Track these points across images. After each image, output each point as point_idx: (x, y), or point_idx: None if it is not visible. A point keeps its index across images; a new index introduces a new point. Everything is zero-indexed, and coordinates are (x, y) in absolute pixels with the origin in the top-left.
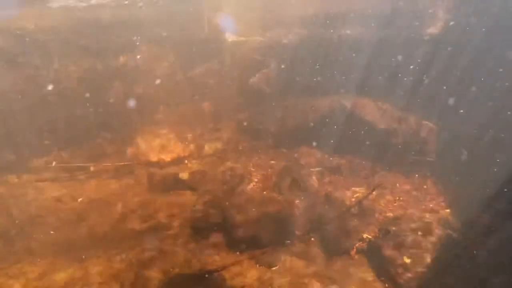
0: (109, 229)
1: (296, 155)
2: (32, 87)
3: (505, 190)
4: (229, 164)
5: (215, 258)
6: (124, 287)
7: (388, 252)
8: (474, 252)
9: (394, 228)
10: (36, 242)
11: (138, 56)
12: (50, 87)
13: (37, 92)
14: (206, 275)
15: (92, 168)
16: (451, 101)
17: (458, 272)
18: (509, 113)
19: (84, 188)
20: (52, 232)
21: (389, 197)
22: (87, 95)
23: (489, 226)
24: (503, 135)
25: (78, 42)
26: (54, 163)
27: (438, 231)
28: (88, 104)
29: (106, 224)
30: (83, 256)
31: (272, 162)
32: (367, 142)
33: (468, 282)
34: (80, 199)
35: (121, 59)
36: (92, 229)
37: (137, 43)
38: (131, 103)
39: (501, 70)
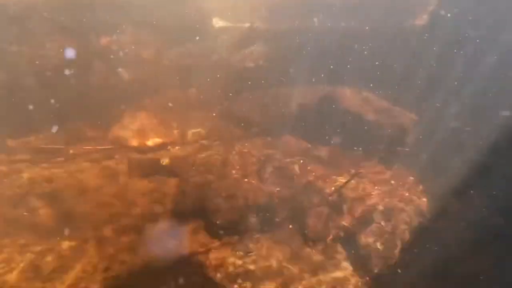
0: (85, 212)
1: (279, 143)
2: (7, 65)
3: (478, 180)
4: (211, 151)
5: (192, 244)
6: (97, 271)
7: (363, 239)
8: (445, 240)
9: (369, 217)
10: (8, 223)
11: (122, 39)
12: (27, 66)
13: (13, 70)
14: (183, 260)
15: (71, 151)
16: (432, 92)
17: (428, 259)
18: (488, 106)
19: (61, 171)
20: (25, 213)
21: (368, 186)
22: (67, 76)
23: (460, 215)
24: (480, 127)
25: (58, 20)
26: (31, 144)
27: (412, 220)
28: (68, 86)
29: (82, 208)
30: (57, 238)
31: (255, 150)
32: (350, 132)
33: (438, 269)
34: (57, 181)
35: (104, 40)
36: (68, 212)
37: (121, 25)
38: (115, 86)
39: (483, 64)
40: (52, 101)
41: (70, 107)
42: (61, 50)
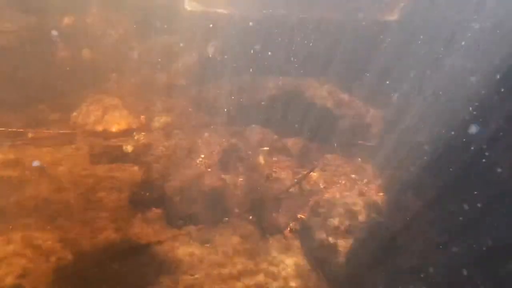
0: (42, 199)
1: (246, 133)
2: None
3: (434, 178)
4: (177, 139)
5: (150, 233)
6: (50, 261)
7: (317, 232)
8: (396, 236)
9: (325, 210)
10: None
11: (89, 18)
12: None
13: None
14: (139, 249)
15: (30, 135)
16: (398, 88)
17: (379, 254)
18: (451, 103)
19: (20, 156)
20: None
21: (328, 179)
22: (28, 56)
23: (413, 211)
24: (440, 125)
25: None
26: None
27: (366, 215)
28: (29, 66)
29: (40, 194)
30: (10, 226)
31: (222, 139)
32: (316, 125)
33: (388, 264)
34: (14, 166)
35: (68, 19)
36: (24, 198)
37: (88, 4)
38: (79, 68)
39: (449, 62)
40: (11, 82)
41: (31, 88)
42: (22, 28)
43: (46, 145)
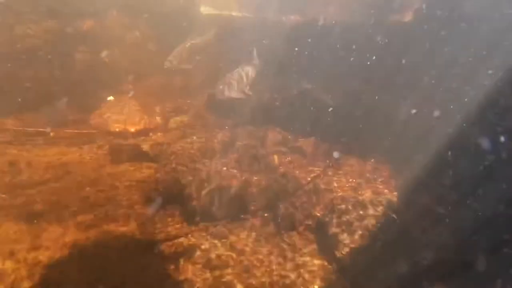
0: (63, 195)
1: (261, 133)
2: None
3: (449, 174)
4: (193, 138)
5: (168, 229)
6: (73, 254)
7: (332, 229)
8: (411, 232)
9: (340, 207)
10: None
11: (108, 22)
12: (8, 47)
13: None
14: (158, 244)
15: (51, 134)
16: (415, 87)
17: (394, 251)
18: (468, 101)
19: (41, 154)
20: (3, 195)
21: (343, 178)
22: (50, 58)
23: (427, 209)
24: (460, 125)
25: (43, 2)
26: (9, 126)
27: (381, 212)
28: (50, 68)
29: (61, 191)
30: (34, 221)
31: (237, 139)
32: (330, 124)
33: (402, 261)
34: (37, 164)
35: (89, 23)
36: (46, 195)
37: (108, 9)
38: (98, 70)
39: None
40: (33, 83)
41: (52, 90)
42: (44, 31)
43: (66, 144)
